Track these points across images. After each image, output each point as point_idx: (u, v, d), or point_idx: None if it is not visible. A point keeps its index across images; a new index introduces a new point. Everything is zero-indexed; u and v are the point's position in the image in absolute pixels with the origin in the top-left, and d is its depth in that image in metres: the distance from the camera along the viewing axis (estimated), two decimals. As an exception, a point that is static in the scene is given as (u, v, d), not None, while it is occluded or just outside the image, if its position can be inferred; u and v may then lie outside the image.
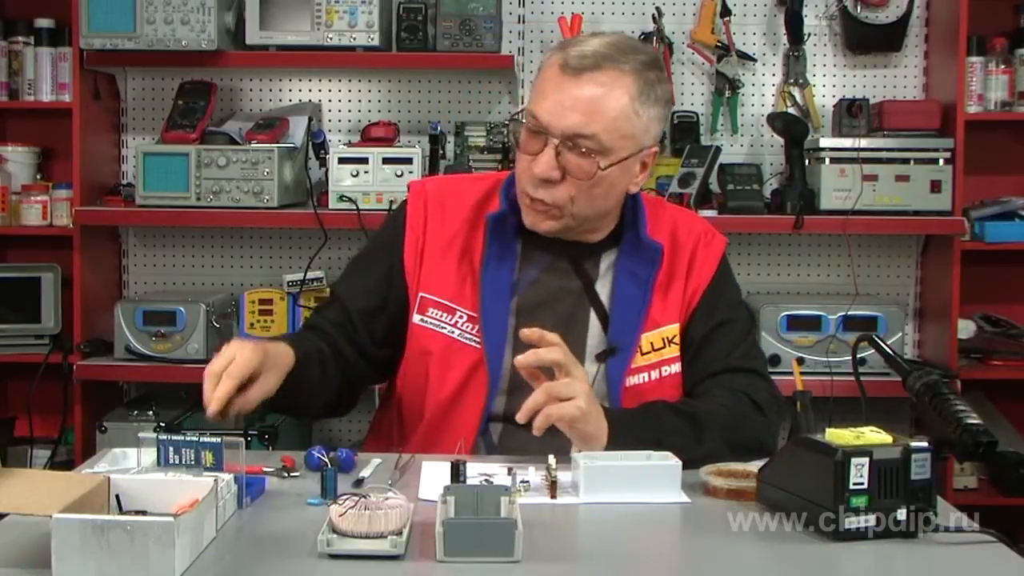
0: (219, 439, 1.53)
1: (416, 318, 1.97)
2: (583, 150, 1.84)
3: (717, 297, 2.01)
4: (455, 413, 1.92)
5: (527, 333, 1.74)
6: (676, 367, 1.97)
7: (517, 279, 1.97)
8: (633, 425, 1.79)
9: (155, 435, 1.55)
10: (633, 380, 1.93)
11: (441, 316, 1.96)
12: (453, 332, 1.94)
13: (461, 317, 1.95)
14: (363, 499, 1.40)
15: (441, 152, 3.43)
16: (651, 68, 1.88)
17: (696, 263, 2.00)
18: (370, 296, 2.01)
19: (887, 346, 1.72)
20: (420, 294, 1.98)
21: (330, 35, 3.29)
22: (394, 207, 2.13)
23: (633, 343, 1.94)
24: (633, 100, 1.85)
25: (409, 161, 3.28)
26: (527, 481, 1.66)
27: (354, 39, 3.29)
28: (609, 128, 1.84)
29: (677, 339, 1.98)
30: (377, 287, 2.01)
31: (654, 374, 1.95)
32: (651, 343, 1.95)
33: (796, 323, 3.27)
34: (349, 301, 2.01)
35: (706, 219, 2.30)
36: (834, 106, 3.52)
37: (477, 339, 1.93)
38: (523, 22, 3.58)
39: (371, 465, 1.78)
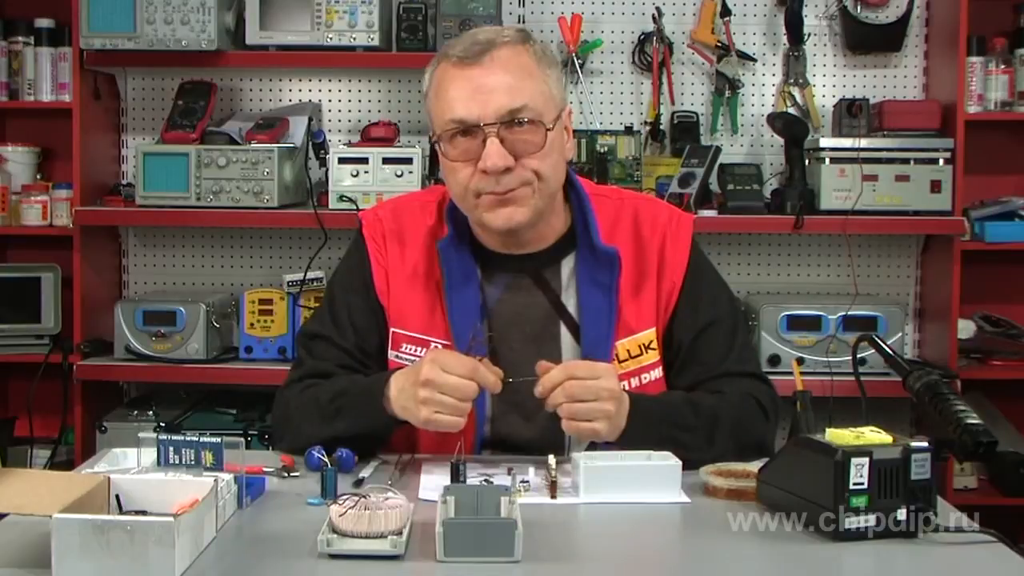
0: (219, 439, 1.53)
1: (391, 355, 1.93)
2: (523, 123, 1.80)
3: (697, 293, 1.95)
4: (447, 446, 1.83)
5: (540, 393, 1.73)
6: (657, 372, 1.93)
7: (483, 301, 1.92)
8: (648, 419, 1.78)
9: (155, 435, 1.55)
10: None
11: (415, 351, 1.90)
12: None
13: (436, 348, 1.87)
14: (363, 499, 1.40)
15: (441, 152, 3.42)
16: (528, 35, 1.89)
17: (667, 259, 1.94)
18: (364, 336, 1.94)
19: (887, 346, 1.72)
20: (392, 330, 1.93)
21: (330, 35, 3.29)
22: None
23: (608, 353, 1.88)
24: (536, 63, 1.85)
25: (409, 161, 3.29)
26: (527, 481, 1.66)
27: (354, 39, 3.29)
28: (534, 93, 1.82)
29: (655, 344, 1.92)
30: (368, 327, 1.94)
31: (634, 382, 1.90)
32: (627, 350, 1.91)
33: (796, 323, 3.27)
34: (345, 341, 1.94)
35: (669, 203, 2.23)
36: (834, 106, 3.52)
37: None
38: (523, 22, 3.58)
39: (371, 465, 1.78)
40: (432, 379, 1.70)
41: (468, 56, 1.81)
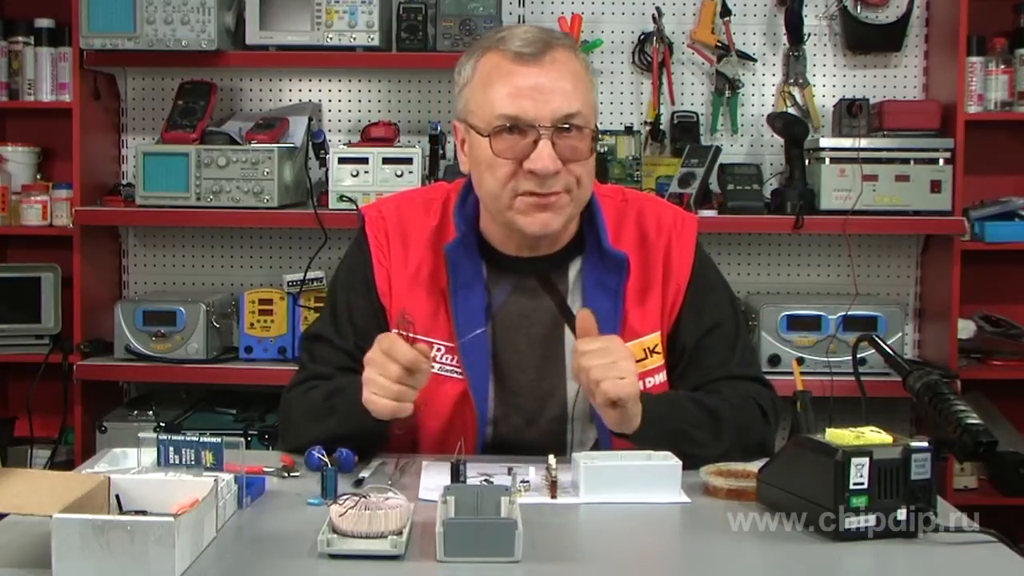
0: (219, 439, 1.53)
1: None
2: (574, 129, 1.79)
3: (702, 296, 1.94)
4: (447, 446, 1.84)
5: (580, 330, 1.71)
6: (661, 376, 1.91)
7: (488, 303, 1.90)
8: (662, 413, 1.76)
9: (155, 435, 1.55)
10: None
11: None
12: (433, 367, 1.83)
13: (439, 350, 1.87)
14: (363, 499, 1.40)
15: (441, 152, 3.42)
16: (575, 44, 1.87)
17: (672, 262, 1.92)
18: (364, 337, 1.88)
19: (887, 346, 1.72)
20: (394, 330, 1.87)
21: (330, 35, 3.29)
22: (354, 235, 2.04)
23: None
24: (586, 71, 1.85)
25: (409, 161, 3.29)
26: (527, 481, 1.66)
27: (354, 39, 3.29)
28: (585, 101, 1.81)
29: (659, 348, 1.91)
30: (369, 328, 1.90)
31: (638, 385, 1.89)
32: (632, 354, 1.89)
33: (796, 323, 3.27)
34: (345, 343, 1.93)
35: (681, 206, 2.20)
36: (834, 106, 3.52)
37: (459, 371, 1.87)
38: (523, 22, 3.58)
39: (371, 465, 1.78)
40: (370, 358, 1.69)
41: (528, 53, 1.79)
